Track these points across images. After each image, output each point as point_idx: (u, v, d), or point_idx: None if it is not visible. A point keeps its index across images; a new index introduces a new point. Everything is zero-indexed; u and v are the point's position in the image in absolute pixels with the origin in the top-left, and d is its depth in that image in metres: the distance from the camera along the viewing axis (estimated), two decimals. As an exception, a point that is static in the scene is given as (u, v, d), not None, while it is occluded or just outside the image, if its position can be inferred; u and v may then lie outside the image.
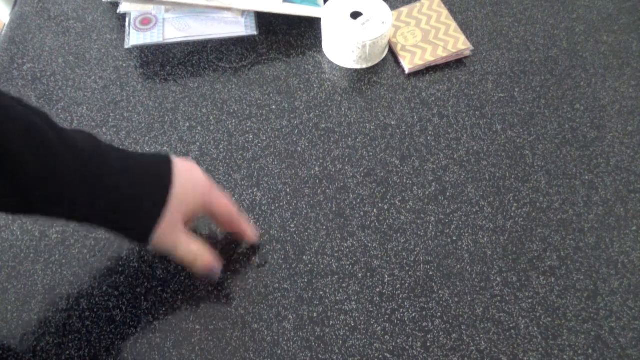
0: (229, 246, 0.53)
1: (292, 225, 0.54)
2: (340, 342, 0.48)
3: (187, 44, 0.67)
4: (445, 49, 0.64)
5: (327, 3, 0.64)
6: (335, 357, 0.47)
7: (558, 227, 0.54)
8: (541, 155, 0.58)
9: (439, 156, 0.58)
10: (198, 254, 0.47)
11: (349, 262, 0.52)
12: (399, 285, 0.50)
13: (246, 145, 0.59)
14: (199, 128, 0.60)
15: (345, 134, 0.60)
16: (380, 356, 0.47)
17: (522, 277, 0.51)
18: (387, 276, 0.51)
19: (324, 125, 0.60)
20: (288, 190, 0.56)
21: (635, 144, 0.59)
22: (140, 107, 0.62)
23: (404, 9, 0.68)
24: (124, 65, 0.65)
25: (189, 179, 0.46)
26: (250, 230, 0.51)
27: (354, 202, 0.55)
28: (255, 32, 0.68)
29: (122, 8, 0.68)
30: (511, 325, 0.48)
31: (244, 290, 0.50)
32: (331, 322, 0.49)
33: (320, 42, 0.67)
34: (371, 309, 0.49)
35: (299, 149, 0.59)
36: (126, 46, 0.66)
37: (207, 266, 0.47)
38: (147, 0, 0.66)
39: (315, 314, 0.49)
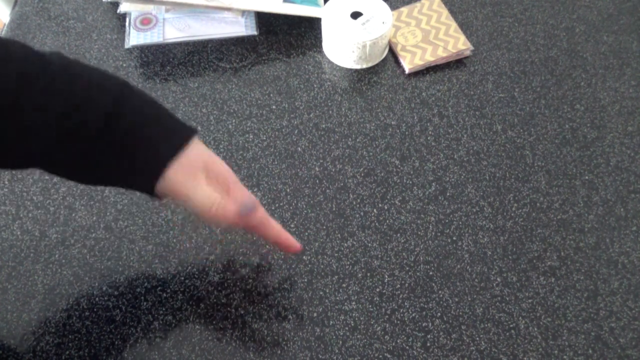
0: (229, 246, 0.53)
1: (292, 225, 0.54)
2: (340, 342, 0.48)
3: (187, 44, 0.67)
4: (446, 49, 0.64)
5: (327, 3, 0.64)
6: (335, 357, 0.47)
7: (558, 227, 0.54)
8: (541, 155, 0.58)
9: (439, 156, 0.58)
10: (218, 201, 0.40)
11: (349, 262, 0.52)
12: (399, 285, 0.50)
13: (246, 145, 0.59)
14: (199, 128, 0.60)
15: (345, 134, 0.60)
16: (380, 356, 0.47)
17: (522, 277, 0.51)
18: (387, 276, 0.51)
19: (324, 125, 0.60)
20: (288, 190, 0.56)
21: (635, 144, 0.59)
22: (140, 107, 0.62)
23: (404, 9, 0.68)
24: (124, 65, 0.65)
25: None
26: (290, 240, 0.45)
27: (354, 202, 0.55)
28: (255, 32, 0.68)
29: (122, 8, 0.68)
30: (511, 326, 0.48)
31: (244, 290, 0.50)
32: (331, 322, 0.49)
33: (321, 42, 0.67)
34: (371, 309, 0.49)
35: (299, 149, 0.59)
36: (126, 46, 0.66)
37: (225, 214, 0.41)
38: (147, 0, 0.66)
39: (315, 314, 0.49)
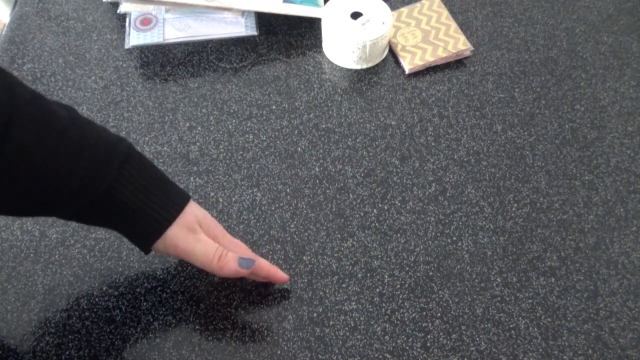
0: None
1: (292, 225, 0.54)
2: (340, 342, 0.48)
3: (187, 44, 0.67)
4: (446, 50, 0.64)
5: (327, 3, 0.64)
6: (335, 357, 0.47)
7: (558, 227, 0.54)
8: (541, 155, 0.58)
9: (439, 156, 0.58)
10: (220, 252, 0.45)
11: (349, 262, 0.52)
12: (399, 286, 0.50)
13: (246, 145, 0.59)
14: (199, 128, 0.60)
15: (345, 134, 0.60)
16: (380, 356, 0.47)
17: (522, 277, 0.51)
18: (387, 276, 0.51)
19: (324, 126, 0.60)
20: (288, 190, 0.56)
21: (635, 144, 0.59)
22: (140, 107, 0.62)
23: (404, 9, 0.68)
24: (124, 65, 0.65)
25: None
26: (278, 274, 0.49)
27: (354, 202, 0.55)
28: (255, 32, 0.68)
29: (122, 8, 0.68)
30: (511, 326, 0.48)
31: (244, 290, 0.50)
32: (331, 322, 0.49)
33: (320, 42, 0.67)
34: (371, 309, 0.49)
35: (299, 149, 0.59)
36: (126, 46, 0.66)
37: (230, 267, 0.45)
38: (147, 0, 0.66)
39: (315, 314, 0.49)
